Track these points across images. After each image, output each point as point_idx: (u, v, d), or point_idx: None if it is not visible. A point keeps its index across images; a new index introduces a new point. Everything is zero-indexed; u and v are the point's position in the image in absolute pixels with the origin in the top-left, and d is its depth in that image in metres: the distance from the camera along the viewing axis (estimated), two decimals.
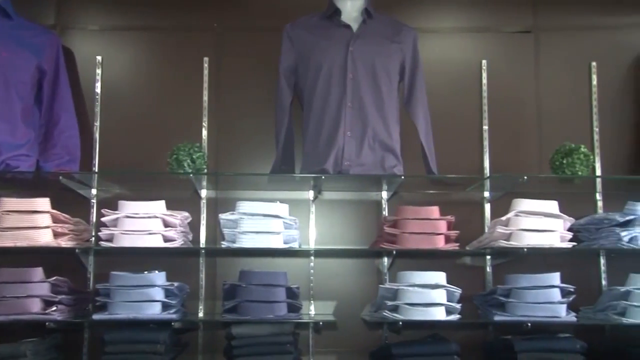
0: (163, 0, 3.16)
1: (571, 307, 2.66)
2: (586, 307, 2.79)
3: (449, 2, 3.23)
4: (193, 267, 2.95)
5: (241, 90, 3.11)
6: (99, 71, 3.07)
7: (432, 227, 2.69)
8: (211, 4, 3.17)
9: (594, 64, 3.13)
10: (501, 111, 3.10)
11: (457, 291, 2.63)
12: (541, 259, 2.87)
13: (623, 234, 2.64)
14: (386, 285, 2.72)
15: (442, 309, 2.59)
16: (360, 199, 3.06)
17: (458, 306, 2.61)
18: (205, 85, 3.07)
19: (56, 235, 2.64)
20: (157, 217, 2.67)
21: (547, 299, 2.61)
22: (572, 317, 2.63)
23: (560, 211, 2.71)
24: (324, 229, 3.02)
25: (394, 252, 2.76)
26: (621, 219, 2.68)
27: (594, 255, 2.97)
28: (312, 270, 2.97)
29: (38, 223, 2.60)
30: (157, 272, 2.64)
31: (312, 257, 2.98)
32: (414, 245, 2.68)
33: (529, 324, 2.57)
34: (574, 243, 2.73)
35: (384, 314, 2.61)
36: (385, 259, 2.96)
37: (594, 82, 3.12)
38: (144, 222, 2.65)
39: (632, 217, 2.68)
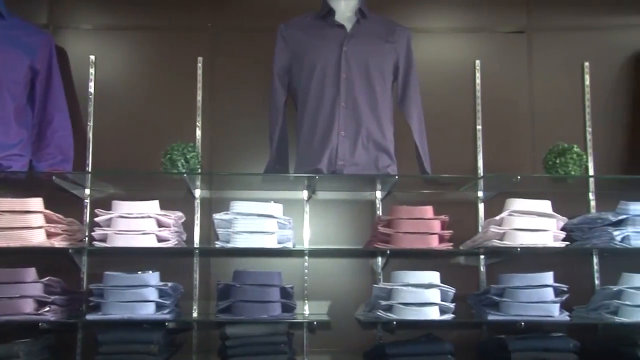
0: (157, 0, 3.15)
1: (564, 306, 2.67)
2: (579, 306, 2.80)
3: (443, 2, 3.23)
4: (187, 267, 2.94)
5: (235, 90, 3.11)
6: (92, 71, 3.06)
7: (426, 226, 2.70)
8: (205, 4, 3.16)
9: (586, 64, 3.14)
10: (495, 111, 3.11)
11: (451, 291, 2.64)
12: (535, 259, 2.88)
13: (615, 233, 2.66)
14: (380, 285, 2.73)
15: (436, 309, 2.60)
16: (354, 198, 3.06)
17: (452, 306, 2.62)
18: (199, 85, 3.07)
19: (49, 235, 2.63)
20: (150, 217, 2.66)
21: (541, 298, 2.62)
22: (565, 317, 2.64)
23: (554, 211, 2.72)
24: (318, 228, 3.02)
25: (388, 252, 2.77)
26: (614, 219, 2.69)
27: (587, 254, 2.99)
28: (306, 270, 2.98)
29: (31, 223, 2.59)
30: (150, 272, 2.63)
31: (307, 257, 2.98)
32: (408, 245, 2.68)
33: (523, 323, 2.58)
34: (567, 242, 2.74)
35: (378, 313, 2.62)
36: (379, 259, 2.96)
37: (587, 82, 3.14)
38: (138, 222, 2.64)
39: (624, 216, 2.69)
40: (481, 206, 3.04)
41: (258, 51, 3.07)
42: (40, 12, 3.12)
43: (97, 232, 2.65)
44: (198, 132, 3.04)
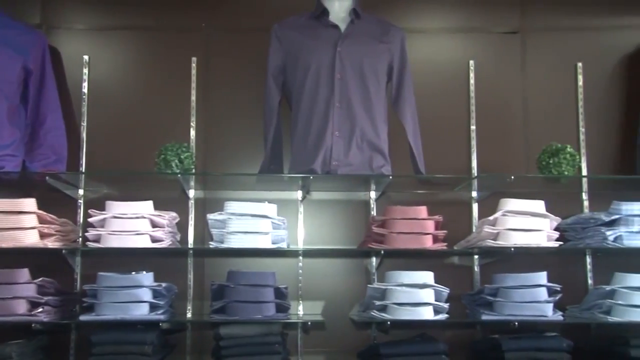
0: (151, 0, 3.15)
1: (558, 306, 2.68)
2: (573, 305, 2.81)
3: (437, 2, 3.24)
4: (181, 268, 2.94)
5: (229, 90, 3.10)
6: (85, 71, 3.05)
7: (420, 227, 2.70)
8: (199, 4, 3.16)
9: (580, 64, 3.16)
10: (488, 111, 3.12)
11: (445, 291, 2.65)
12: (528, 259, 2.88)
13: (608, 233, 2.67)
14: (374, 285, 2.73)
15: (430, 309, 2.61)
16: (349, 199, 3.07)
17: (446, 306, 2.63)
18: (193, 85, 3.06)
19: (42, 236, 2.63)
20: (144, 218, 2.66)
21: (534, 298, 2.63)
22: (558, 316, 2.65)
23: (547, 211, 2.73)
24: (312, 229, 3.02)
25: (382, 252, 2.77)
26: (607, 219, 2.70)
27: (580, 254, 3.00)
28: (300, 270, 2.97)
29: (24, 224, 2.58)
30: (144, 272, 2.63)
31: (301, 257, 2.98)
32: (402, 245, 2.69)
33: (516, 323, 2.58)
34: (561, 242, 2.75)
35: (372, 313, 2.62)
36: (374, 259, 2.96)
37: (580, 83, 3.15)
38: (132, 223, 2.63)
39: (617, 216, 2.70)
40: (475, 206, 3.05)
41: (252, 51, 3.07)
42: (33, 12, 3.11)
43: (91, 233, 2.65)
44: (192, 132, 3.03)
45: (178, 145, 2.72)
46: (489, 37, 3.21)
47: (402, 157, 2.88)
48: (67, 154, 2.88)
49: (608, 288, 2.67)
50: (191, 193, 2.99)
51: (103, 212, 2.66)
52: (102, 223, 2.66)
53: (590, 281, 2.99)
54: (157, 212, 2.70)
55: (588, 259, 3.01)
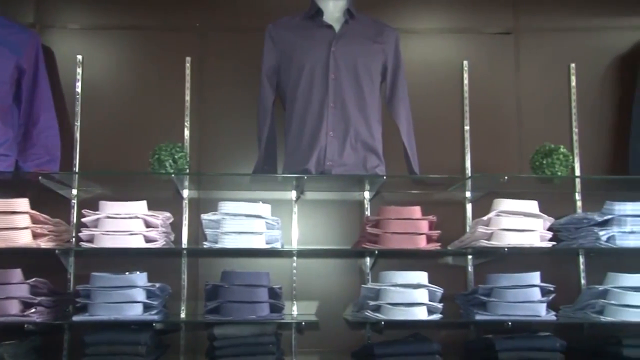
0: (145, 0, 3.14)
1: (551, 305, 2.69)
2: (566, 305, 2.82)
3: (431, 3, 3.25)
4: (175, 268, 2.93)
5: (223, 90, 3.10)
6: (79, 70, 3.04)
7: (414, 227, 2.70)
8: (194, 4, 3.15)
9: (573, 65, 3.17)
10: (482, 111, 3.12)
11: (439, 291, 2.65)
12: (522, 259, 2.89)
13: (601, 233, 2.68)
14: (368, 285, 2.73)
15: (424, 309, 2.61)
16: (343, 199, 3.07)
17: (440, 306, 2.63)
18: (188, 85, 3.06)
19: (35, 236, 2.61)
20: (138, 218, 2.65)
21: (528, 298, 2.64)
22: (551, 316, 2.66)
23: (540, 211, 2.74)
24: (306, 229, 3.02)
25: (376, 252, 2.77)
26: (599, 219, 2.71)
27: (573, 254, 3.01)
28: (294, 271, 2.97)
29: (17, 224, 2.57)
30: (138, 272, 2.62)
31: (295, 258, 2.98)
32: (396, 245, 2.69)
33: (510, 323, 2.59)
34: (554, 242, 2.76)
35: (366, 313, 2.62)
36: (368, 259, 2.96)
37: (573, 83, 3.16)
38: (125, 223, 2.63)
39: (610, 216, 2.71)
40: (469, 206, 3.06)
41: (246, 51, 3.07)
42: (27, 12, 3.10)
43: (84, 233, 2.64)
44: (186, 132, 3.03)
45: (172, 145, 2.72)
46: (483, 37, 3.22)
47: (396, 157, 2.89)
48: (60, 154, 2.87)
49: (601, 288, 2.68)
50: (185, 193, 2.99)
51: (96, 212, 2.65)
52: (95, 223, 2.65)
53: (583, 281, 3.00)
54: (150, 212, 2.69)
55: (581, 259, 3.02)
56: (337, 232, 3.03)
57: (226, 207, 2.70)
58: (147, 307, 2.59)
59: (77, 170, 2.96)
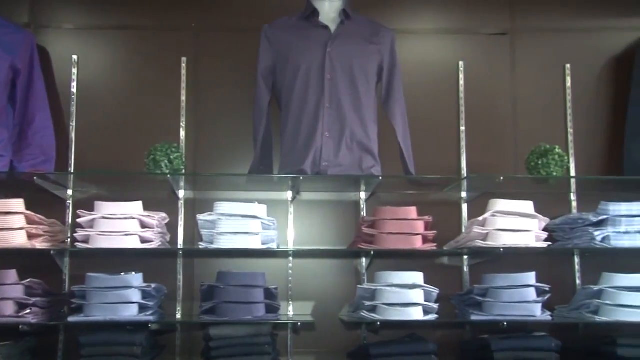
0: (140, 0, 3.13)
1: (547, 306, 2.69)
2: (561, 305, 2.83)
3: (427, 3, 3.25)
4: (170, 269, 2.93)
5: (219, 91, 3.10)
6: (74, 70, 3.03)
7: (409, 227, 2.71)
8: (189, 4, 3.15)
9: (568, 66, 3.18)
10: (478, 112, 3.13)
11: (435, 291, 2.65)
12: (517, 259, 2.90)
13: (596, 233, 2.68)
14: (364, 285, 2.73)
15: (420, 309, 2.61)
16: (339, 199, 3.07)
17: (435, 306, 2.63)
18: (183, 85, 3.05)
19: (31, 236, 2.61)
20: (134, 218, 2.64)
21: (523, 298, 2.64)
22: (547, 316, 2.66)
23: (536, 211, 2.75)
24: (302, 229, 3.02)
25: (372, 253, 2.77)
26: (594, 219, 2.72)
27: (568, 254, 3.02)
28: (290, 271, 2.97)
29: (12, 224, 2.57)
30: (134, 273, 2.61)
31: (291, 258, 2.98)
32: (392, 246, 2.69)
33: (505, 323, 2.60)
34: (549, 243, 2.76)
35: (362, 314, 2.62)
36: (364, 260, 2.96)
37: (568, 84, 3.17)
38: (121, 223, 2.62)
39: (604, 217, 2.72)
40: (464, 207, 3.06)
41: (242, 52, 3.07)
42: (22, 12, 3.09)
43: (80, 234, 2.63)
44: (182, 133, 3.02)
45: (168, 146, 2.71)
46: (479, 38, 3.23)
47: (392, 158, 2.89)
48: (55, 154, 2.86)
49: (596, 288, 2.69)
50: (181, 193, 2.98)
51: (92, 213, 2.65)
52: (91, 224, 2.65)
53: (578, 281, 3.01)
54: (146, 213, 2.69)
55: (576, 259, 3.03)
56: (333, 233, 3.03)
57: (222, 207, 2.69)
58: (142, 308, 2.59)
59: (72, 171, 2.95)
